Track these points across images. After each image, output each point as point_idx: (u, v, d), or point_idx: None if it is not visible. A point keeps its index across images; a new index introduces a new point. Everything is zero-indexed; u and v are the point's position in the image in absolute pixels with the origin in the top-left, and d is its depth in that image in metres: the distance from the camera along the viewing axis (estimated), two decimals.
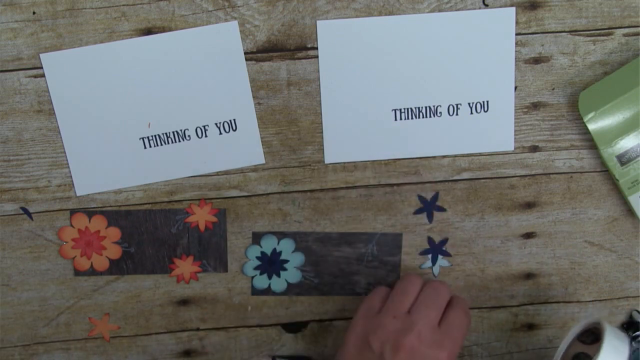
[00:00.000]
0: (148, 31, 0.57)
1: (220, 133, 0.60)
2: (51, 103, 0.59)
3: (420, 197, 0.63)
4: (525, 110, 0.61)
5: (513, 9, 0.58)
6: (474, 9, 0.58)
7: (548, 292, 0.67)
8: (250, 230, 0.63)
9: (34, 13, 0.56)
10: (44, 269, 0.63)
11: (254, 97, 0.60)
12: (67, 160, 0.60)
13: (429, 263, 0.65)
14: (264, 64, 0.59)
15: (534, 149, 0.62)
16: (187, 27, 0.57)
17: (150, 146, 0.60)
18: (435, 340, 0.52)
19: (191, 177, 0.61)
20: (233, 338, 0.67)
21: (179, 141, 0.60)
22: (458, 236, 0.65)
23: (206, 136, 0.60)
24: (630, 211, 0.63)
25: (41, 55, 0.57)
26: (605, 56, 0.60)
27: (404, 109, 0.60)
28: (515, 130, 0.62)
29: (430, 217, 0.64)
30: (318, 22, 0.58)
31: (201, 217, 0.63)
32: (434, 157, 0.62)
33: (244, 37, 0.58)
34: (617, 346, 0.50)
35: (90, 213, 0.62)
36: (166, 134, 0.60)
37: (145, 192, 0.62)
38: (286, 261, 0.64)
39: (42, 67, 0.57)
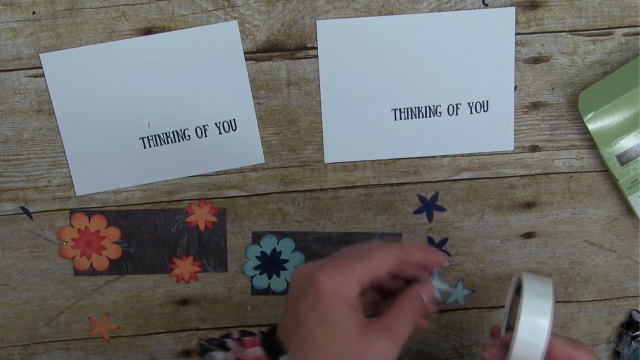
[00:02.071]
0: (148, 31, 0.57)
1: (220, 133, 0.60)
2: (51, 103, 0.59)
3: (420, 197, 0.63)
4: (525, 110, 0.61)
5: (513, 9, 0.58)
6: (474, 9, 0.58)
7: None
8: (250, 230, 0.63)
9: (34, 13, 0.56)
10: (44, 269, 0.63)
11: (254, 97, 0.60)
12: (67, 160, 0.60)
13: None
14: (264, 64, 0.59)
15: (534, 149, 0.62)
16: (187, 27, 0.57)
17: (150, 146, 0.60)
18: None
19: (191, 177, 0.61)
20: None
21: (179, 141, 0.60)
22: (458, 236, 0.64)
23: (206, 136, 0.60)
24: (630, 211, 0.63)
25: (41, 55, 0.57)
26: (605, 56, 0.60)
27: (404, 109, 0.60)
28: (515, 130, 0.62)
29: (430, 217, 0.64)
30: (318, 22, 0.58)
31: (201, 217, 0.63)
32: (434, 157, 0.62)
33: (244, 37, 0.58)
34: (539, 291, 0.49)
35: (90, 213, 0.62)
36: (166, 134, 0.60)
37: (145, 192, 0.62)
38: (286, 261, 0.64)
39: (42, 67, 0.57)
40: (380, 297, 0.50)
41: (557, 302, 0.66)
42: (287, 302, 0.46)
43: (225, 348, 0.45)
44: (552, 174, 0.63)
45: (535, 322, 0.47)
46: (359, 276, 0.44)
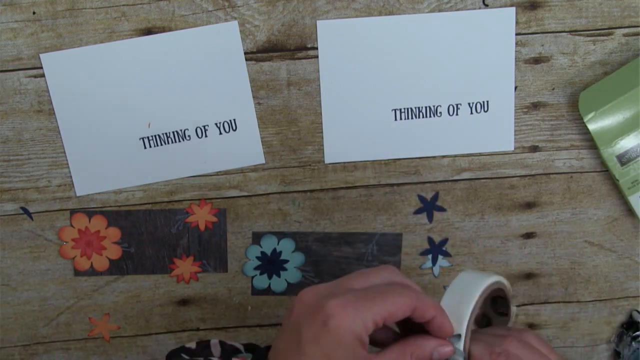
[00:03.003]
0: (148, 31, 0.57)
1: (220, 133, 0.60)
2: (51, 103, 0.59)
3: (420, 197, 0.63)
4: (525, 110, 0.61)
5: (513, 9, 0.58)
6: (474, 9, 0.58)
7: (548, 292, 0.67)
8: (250, 230, 0.63)
9: (34, 13, 0.56)
10: (44, 269, 0.63)
11: (254, 97, 0.60)
12: (67, 160, 0.60)
13: (429, 263, 0.65)
14: (264, 64, 0.59)
15: (534, 149, 0.62)
16: (187, 27, 0.57)
17: (150, 146, 0.60)
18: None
19: (191, 177, 0.61)
20: (233, 338, 0.66)
21: (179, 141, 0.60)
22: (458, 236, 0.64)
23: (206, 136, 0.60)
24: (630, 211, 0.63)
25: (41, 55, 0.57)
26: (605, 56, 0.60)
27: (404, 109, 0.60)
28: (515, 130, 0.62)
29: (430, 217, 0.64)
30: (318, 22, 0.58)
31: (201, 217, 0.63)
32: (434, 157, 0.62)
33: (244, 37, 0.58)
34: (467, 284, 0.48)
35: (90, 213, 0.62)
36: (166, 134, 0.60)
37: (145, 192, 0.62)
38: (286, 261, 0.64)
39: (42, 67, 0.57)
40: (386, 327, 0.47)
41: (557, 302, 0.66)
42: (288, 325, 0.42)
43: None
44: (552, 174, 0.63)
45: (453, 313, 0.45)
46: (373, 316, 0.41)
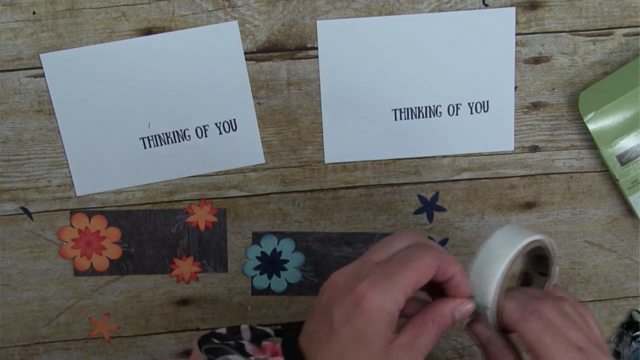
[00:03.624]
0: (148, 31, 0.57)
1: (220, 133, 0.60)
2: (51, 103, 0.59)
3: (420, 197, 0.63)
4: (525, 110, 0.61)
5: (513, 9, 0.58)
6: (474, 9, 0.58)
7: None
8: (250, 230, 0.63)
9: (34, 13, 0.56)
10: (44, 269, 0.63)
11: (254, 97, 0.60)
12: (67, 160, 0.60)
13: None
14: (264, 64, 0.59)
15: (534, 149, 0.62)
16: (187, 27, 0.57)
17: (150, 146, 0.60)
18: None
19: (191, 177, 0.61)
20: None
21: (179, 141, 0.60)
22: (458, 236, 0.64)
23: (206, 136, 0.60)
24: (630, 211, 0.63)
25: (41, 55, 0.57)
26: (605, 56, 0.60)
27: (404, 109, 0.60)
28: (515, 130, 0.62)
29: (430, 217, 0.64)
30: (318, 22, 0.58)
31: (201, 217, 0.63)
32: (434, 157, 0.62)
33: (244, 37, 0.58)
34: (506, 239, 0.48)
35: (90, 213, 0.62)
36: (166, 134, 0.60)
37: (145, 192, 0.62)
38: (286, 261, 0.64)
39: (42, 67, 0.57)
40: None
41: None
42: (318, 308, 0.43)
43: (244, 352, 0.42)
44: (552, 174, 0.63)
45: (487, 267, 0.45)
46: (402, 289, 0.41)
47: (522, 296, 0.47)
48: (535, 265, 0.51)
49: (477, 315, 0.46)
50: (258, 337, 0.45)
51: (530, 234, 0.47)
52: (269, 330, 0.46)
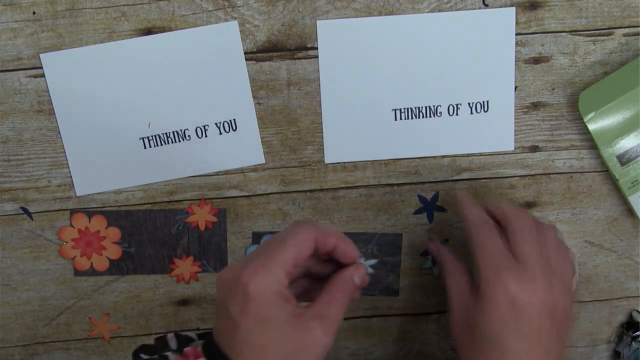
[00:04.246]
0: (148, 31, 0.57)
1: (220, 133, 0.60)
2: (51, 103, 0.59)
3: (421, 197, 0.63)
4: (525, 110, 0.61)
5: (513, 9, 0.58)
6: (474, 9, 0.58)
7: None
8: (250, 230, 0.63)
9: (34, 13, 0.56)
10: (44, 269, 0.63)
11: (254, 97, 0.60)
12: (67, 160, 0.60)
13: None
14: (264, 64, 0.59)
15: (534, 149, 0.62)
16: (187, 27, 0.57)
17: (150, 146, 0.60)
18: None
19: (191, 177, 0.61)
20: None
21: (179, 141, 0.60)
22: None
23: (206, 136, 0.60)
24: (630, 211, 0.63)
25: (41, 55, 0.57)
26: (605, 56, 0.60)
27: (404, 109, 0.60)
28: (515, 130, 0.62)
29: (430, 217, 0.64)
30: (318, 22, 0.58)
31: (201, 217, 0.63)
32: (434, 157, 0.62)
33: (244, 37, 0.58)
34: None
35: (90, 213, 0.62)
36: (166, 134, 0.60)
37: (145, 192, 0.62)
38: None
39: (42, 67, 0.58)
40: (312, 283, 0.50)
41: None
42: (218, 306, 0.45)
43: None
44: (552, 174, 0.63)
45: None
46: (282, 267, 0.43)
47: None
48: None
49: None
50: (184, 344, 0.47)
51: None
52: (192, 335, 0.48)
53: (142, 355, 0.46)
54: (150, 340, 0.48)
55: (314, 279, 0.50)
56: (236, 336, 0.43)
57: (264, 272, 0.43)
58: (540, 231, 0.52)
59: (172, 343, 0.47)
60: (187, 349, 0.45)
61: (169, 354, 0.45)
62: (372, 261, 0.49)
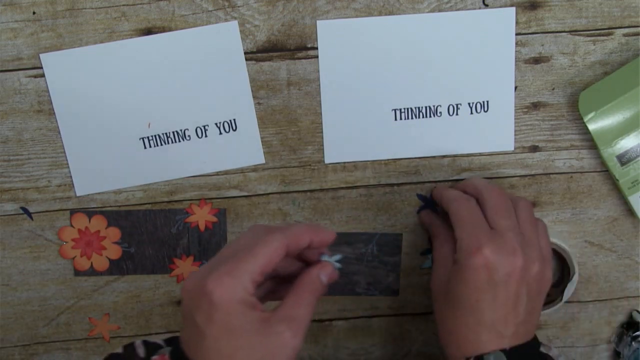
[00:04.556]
0: (148, 31, 0.57)
1: (220, 133, 0.60)
2: (51, 103, 0.59)
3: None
4: (525, 110, 0.61)
5: (513, 9, 0.58)
6: (474, 9, 0.58)
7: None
8: None
9: (34, 13, 0.56)
10: (44, 269, 0.63)
11: (254, 97, 0.60)
12: (67, 160, 0.60)
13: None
14: (264, 64, 0.59)
15: (534, 149, 0.62)
16: (187, 27, 0.57)
17: (150, 146, 0.60)
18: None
19: (191, 177, 0.61)
20: None
21: (179, 141, 0.60)
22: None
23: (206, 136, 0.60)
24: (630, 211, 0.63)
25: (41, 55, 0.57)
26: (605, 56, 0.60)
27: (404, 109, 0.60)
28: (515, 130, 0.62)
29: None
30: (318, 22, 0.58)
31: (201, 217, 0.63)
32: (434, 157, 0.62)
33: (244, 37, 0.58)
34: None
35: (90, 213, 0.62)
36: (166, 134, 0.60)
37: (145, 192, 0.62)
38: None
39: (42, 67, 0.57)
40: (277, 284, 0.49)
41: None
42: (183, 314, 0.45)
43: None
44: (552, 174, 0.63)
45: None
46: (249, 275, 0.43)
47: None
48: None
49: None
50: (152, 351, 0.46)
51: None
52: (160, 341, 0.47)
53: None
54: (120, 349, 0.48)
55: (279, 279, 0.49)
56: (203, 345, 0.42)
57: (229, 281, 0.42)
58: (516, 205, 0.54)
59: (140, 350, 0.47)
60: (154, 357, 0.45)
61: None
62: (337, 256, 0.48)
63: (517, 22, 0.59)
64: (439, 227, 0.59)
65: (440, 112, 0.61)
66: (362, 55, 0.59)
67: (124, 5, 0.57)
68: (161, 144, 0.60)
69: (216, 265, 0.43)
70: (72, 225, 0.62)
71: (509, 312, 0.50)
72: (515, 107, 0.61)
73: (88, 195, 0.61)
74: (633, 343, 0.66)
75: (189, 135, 0.60)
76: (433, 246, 0.59)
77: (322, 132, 0.61)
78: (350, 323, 0.67)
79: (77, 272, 0.63)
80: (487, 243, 0.50)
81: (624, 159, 0.59)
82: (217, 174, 0.62)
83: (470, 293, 0.50)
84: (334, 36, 0.58)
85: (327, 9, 0.58)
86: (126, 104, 0.59)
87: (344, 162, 0.62)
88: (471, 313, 0.51)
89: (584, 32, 0.59)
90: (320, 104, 0.60)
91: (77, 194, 0.61)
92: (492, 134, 0.62)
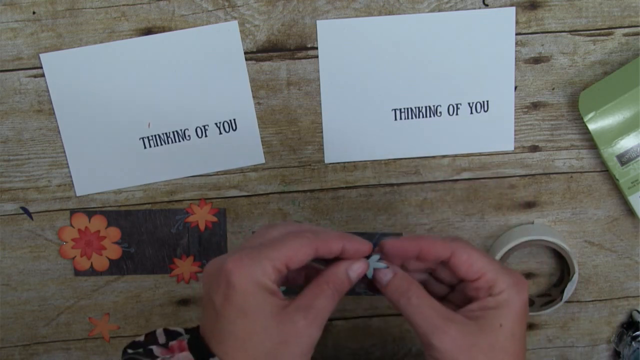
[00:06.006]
0: (148, 31, 0.57)
1: (220, 133, 0.60)
2: (51, 103, 0.59)
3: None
4: (525, 110, 0.61)
5: (513, 9, 0.58)
6: (474, 9, 0.58)
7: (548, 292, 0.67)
8: (250, 230, 0.63)
9: (34, 13, 0.56)
10: (44, 269, 0.63)
11: (254, 97, 0.60)
12: (67, 160, 0.60)
13: None
14: (264, 63, 0.59)
15: (534, 149, 0.62)
16: (187, 27, 0.57)
17: (150, 146, 0.60)
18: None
19: (191, 177, 0.61)
20: None
21: (179, 141, 0.60)
22: (458, 236, 0.64)
23: (206, 136, 0.60)
24: (630, 211, 0.63)
25: (41, 55, 0.57)
26: (605, 56, 0.60)
27: (404, 109, 0.60)
28: (515, 130, 0.62)
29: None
30: (318, 22, 0.58)
31: (201, 217, 0.63)
32: (434, 157, 0.62)
33: (244, 37, 0.58)
34: None
35: (90, 213, 0.62)
36: (166, 134, 0.60)
37: (145, 192, 0.62)
38: None
39: (42, 67, 0.57)
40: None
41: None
42: (203, 297, 0.44)
43: (152, 356, 0.44)
44: (552, 173, 0.63)
45: None
46: (271, 262, 0.42)
47: None
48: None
49: None
50: (171, 338, 0.46)
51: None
52: (180, 329, 0.47)
53: (129, 350, 0.45)
54: (142, 337, 0.48)
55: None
56: (218, 327, 0.42)
57: (249, 262, 0.41)
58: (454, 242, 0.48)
59: (161, 338, 0.47)
60: (172, 343, 0.45)
61: (153, 347, 0.45)
62: (376, 256, 0.46)
63: (517, 22, 0.59)
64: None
65: (440, 112, 0.61)
66: (362, 55, 0.59)
67: (124, 5, 0.57)
68: (161, 144, 0.60)
69: (239, 249, 0.43)
70: (72, 225, 0.62)
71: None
72: (515, 107, 0.61)
73: (88, 195, 0.61)
74: (633, 343, 0.66)
75: (189, 135, 0.60)
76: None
77: (322, 132, 0.61)
78: (350, 323, 0.67)
79: (77, 272, 0.63)
80: (454, 327, 0.44)
81: (624, 159, 0.59)
82: (217, 173, 0.62)
83: (523, 328, 0.45)
84: (334, 36, 0.58)
85: (327, 8, 0.58)
86: (126, 104, 0.59)
87: (344, 162, 0.62)
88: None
89: (584, 32, 0.59)
90: (320, 103, 0.60)
91: (77, 194, 0.61)
92: (492, 133, 0.62)
